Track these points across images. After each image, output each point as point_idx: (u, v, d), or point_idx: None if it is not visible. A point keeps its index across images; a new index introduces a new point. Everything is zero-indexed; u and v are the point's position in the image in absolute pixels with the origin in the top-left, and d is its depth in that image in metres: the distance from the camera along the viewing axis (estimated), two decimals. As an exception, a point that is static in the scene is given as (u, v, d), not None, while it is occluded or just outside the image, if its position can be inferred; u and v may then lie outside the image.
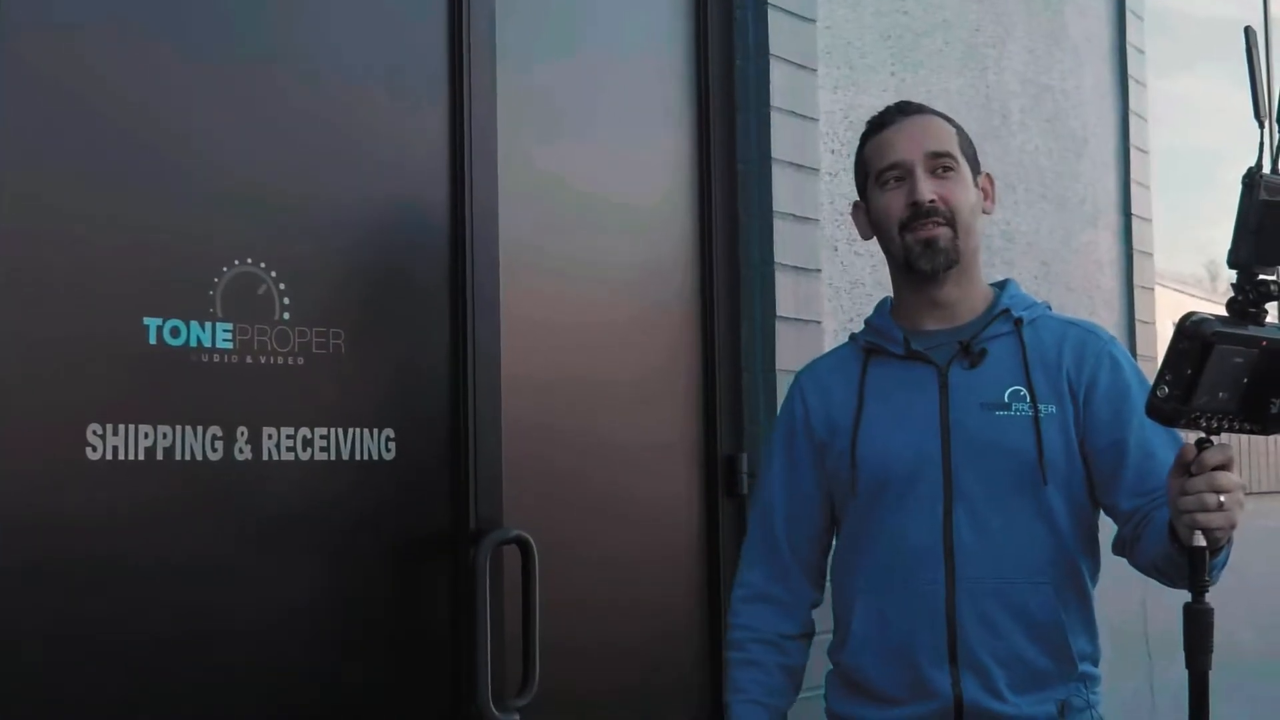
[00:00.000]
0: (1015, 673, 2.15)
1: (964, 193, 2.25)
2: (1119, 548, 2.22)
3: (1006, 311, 2.26)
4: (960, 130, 2.33)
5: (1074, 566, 2.20)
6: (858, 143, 2.37)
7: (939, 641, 2.15)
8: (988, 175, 2.36)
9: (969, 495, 2.17)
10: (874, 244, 3.27)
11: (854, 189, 2.33)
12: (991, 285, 2.35)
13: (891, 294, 2.38)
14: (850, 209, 2.43)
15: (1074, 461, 2.19)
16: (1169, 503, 1.94)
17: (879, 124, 2.32)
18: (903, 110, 2.33)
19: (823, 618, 2.37)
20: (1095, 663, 2.23)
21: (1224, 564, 2.00)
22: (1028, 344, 2.22)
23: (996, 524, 2.16)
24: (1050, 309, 2.33)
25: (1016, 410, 2.18)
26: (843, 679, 2.29)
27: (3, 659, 1.92)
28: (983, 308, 2.28)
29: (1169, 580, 2.09)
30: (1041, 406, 2.18)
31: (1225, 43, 2.25)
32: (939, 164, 2.24)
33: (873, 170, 2.30)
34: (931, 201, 2.22)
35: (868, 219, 2.34)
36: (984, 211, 2.32)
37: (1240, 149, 1.91)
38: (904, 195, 2.24)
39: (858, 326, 3.29)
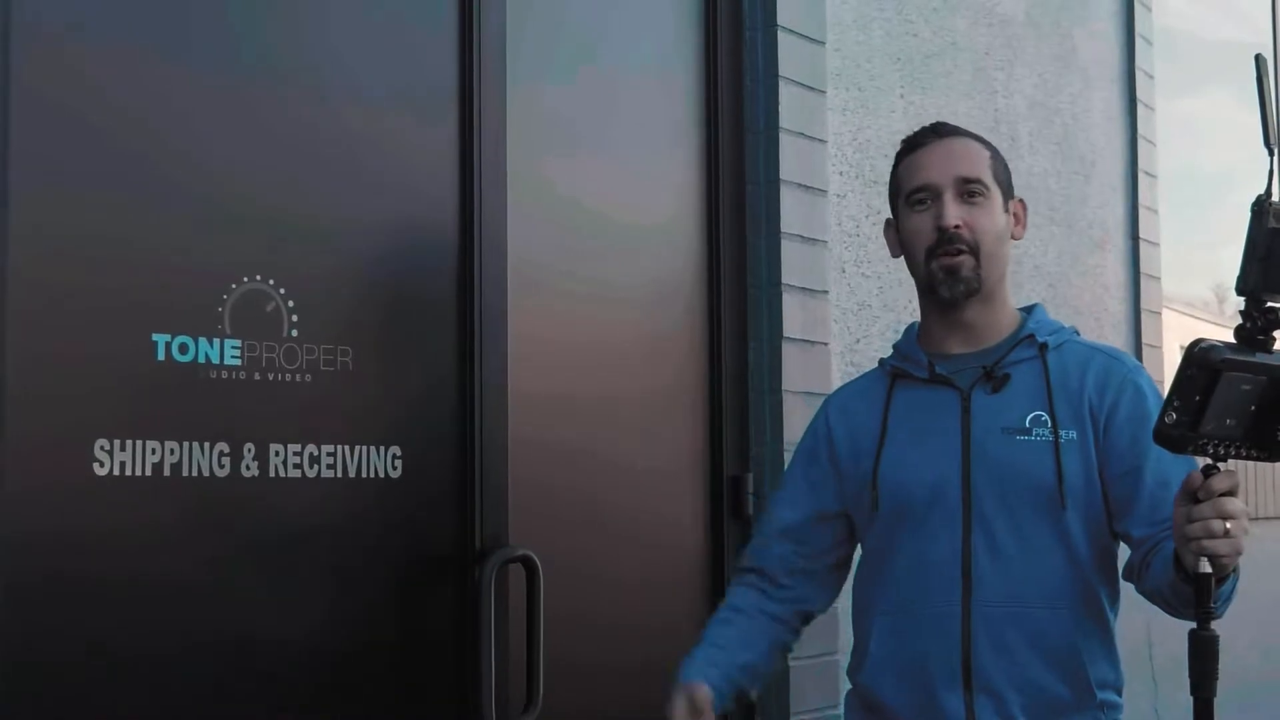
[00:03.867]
0: (1031, 699, 2.14)
1: (990, 220, 2.25)
2: (1128, 574, 2.22)
3: (1031, 336, 2.26)
4: (995, 153, 2.33)
5: (1092, 592, 2.19)
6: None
7: (953, 664, 2.16)
8: (1020, 201, 2.35)
9: (988, 519, 2.17)
10: (882, 266, 3.31)
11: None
12: (1020, 310, 2.35)
13: (916, 319, 2.38)
14: (884, 226, 2.43)
15: (1094, 488, 2.19)
16: (1174, 530, 1.93)
17: (913, 144, 2.32)
18: (937, 132, 2.33)
19: (843, 636, 2.38)
20: (1118, 691, 2.23)
21: (1230, 597, 2.00)
22: (1051, 369, 2.23)
23: (1014, 548, 2.16)
24: (1078, 334, 2.33)
25: (1037, 435, 2.19)
26: (860, 700, 2.30)
27: (12, 673, 1.93)
28: (1008, 332, 2.29)
29: (1172, 609, 2.09)
30: (1062, 432, 2.18)
31: (1234, 66, 2.25)
32: (968, 189, 2.24)
33: (903, 190, 2.30)
34: (956, 228, 2.22)
35: (898, 238, 2.34)
36: (1013, 237, 2.33)
37: (1250, 172, 1.91)
38: (931, 219, 2.24)
39: (864, 348, 3.33)
